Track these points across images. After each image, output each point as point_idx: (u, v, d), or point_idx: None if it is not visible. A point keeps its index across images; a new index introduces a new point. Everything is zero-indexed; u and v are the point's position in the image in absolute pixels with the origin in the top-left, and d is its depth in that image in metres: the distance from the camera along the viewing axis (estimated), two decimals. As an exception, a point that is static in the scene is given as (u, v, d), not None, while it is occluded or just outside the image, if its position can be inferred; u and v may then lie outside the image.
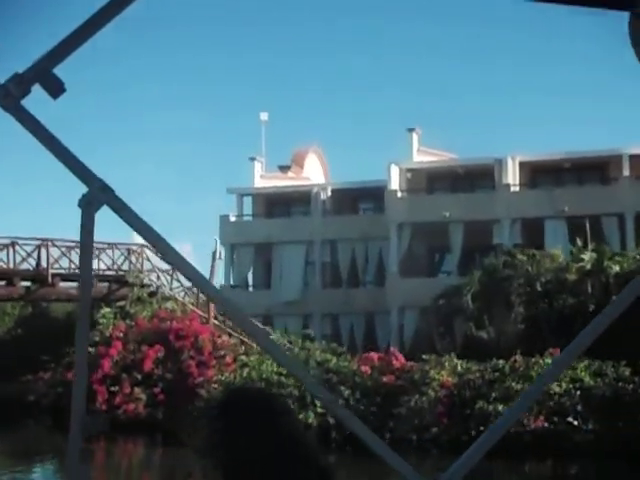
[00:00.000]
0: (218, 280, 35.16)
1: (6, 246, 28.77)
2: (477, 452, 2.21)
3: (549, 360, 21.87)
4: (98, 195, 1.90)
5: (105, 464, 26.26)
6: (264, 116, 40.39)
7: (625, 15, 2.06)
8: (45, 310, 38.40)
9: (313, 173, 42.91)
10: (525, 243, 33.60)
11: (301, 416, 23.85)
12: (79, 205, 1.90)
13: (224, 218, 39.04)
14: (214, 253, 30.15)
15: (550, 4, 2.09)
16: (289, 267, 38.15)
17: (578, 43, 50.79)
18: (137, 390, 26.79)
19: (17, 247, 29.19)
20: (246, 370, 26.55)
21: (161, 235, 1.90)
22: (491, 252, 34.08)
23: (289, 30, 58.30)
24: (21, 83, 1.84)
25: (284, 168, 42.34)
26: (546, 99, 57.52)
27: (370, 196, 39.26)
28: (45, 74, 1.86)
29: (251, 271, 40.23)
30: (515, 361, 22.18)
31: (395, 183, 36.45)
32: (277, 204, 40.62)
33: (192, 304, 31.10)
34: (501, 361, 22.82)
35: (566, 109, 56.48)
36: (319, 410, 24.25)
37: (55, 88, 1.86)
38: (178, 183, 70.02)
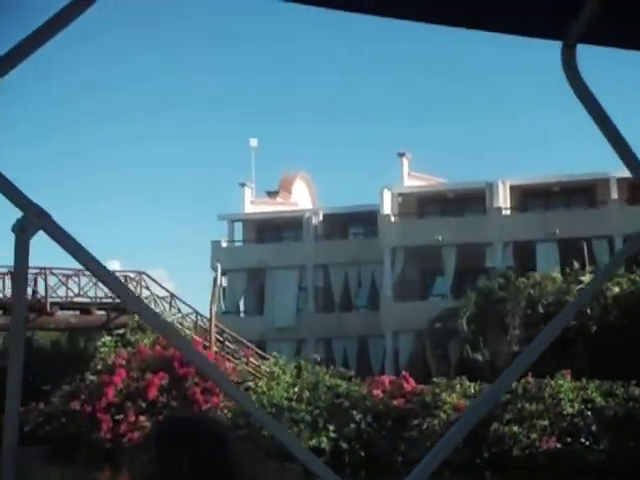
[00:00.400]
0: (220, 306, 35.04)
1: (4, 275, 28.26)
2: (429, 467, 2.13)
3: (561, 381, 22.08)
4: (34, 220, 1.81)
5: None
6: (254, 142, 40.53)
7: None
8: (28, 339, 37.88)
9: (301, 198, 43.13)
10: (517, 266, 34.04)
11: (313, 441, 23.86)
12: (12, 230, 1.80)
13: (216, 244, 39.02)
14: (215, 279, 30.04)
15: (491, 33, 2.12)
16: (282, 292, 38.18)
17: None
18: (142, 418, 26.58)
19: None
20: (253, 396, 26.38)
21: (99, 261, 1.78)
22: (484, 275, 34.42)
23: (277, 55, 58.36)
24: None
25: (272, 194, 42.53)
26: (536, 119, 58.21)
27: (361, 221, 39.57)
28: None
29: (243, 297, 40.03)
30: (527, 382, 22.28)
31: (387, 207, 36.75)
32: (268, 229, 40.73)
33: (189, 330, 30.86)
34: (514, 383, 22.80)
35: (556, 129, 57.01)
36: (331, 435, 24.29)
37: None
38: (166, 209, 69.64)
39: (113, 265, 33.22)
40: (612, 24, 2.15)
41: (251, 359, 31.13)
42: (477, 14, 2.11)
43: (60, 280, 30.10)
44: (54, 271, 29.88)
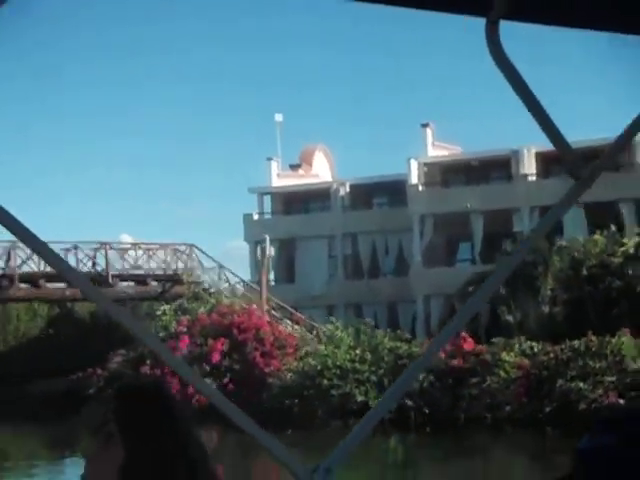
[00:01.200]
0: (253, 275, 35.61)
1: (68, 250, 28.73)
2: (354, 440, 2.06)
3: (623, 338, 22.92)
4: None
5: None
6: (278, 117, 40.88)
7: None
8: (71, 310, 38.52)
9: (321, 170, 43.46)
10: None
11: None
12: None
13: (247, 217, 39.53)
14: (263, 249, 30.60)
15: (417, 10, 1.99)
16: (312, 261, 38.92)
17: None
18: (207, 381, 26.99)
19: (78, 251, 29.26)
20: (311, 358, 27.09)
21: (39, 237, 1.78)
22: (511, 240, 35.08)
23: (301, 31, 58.56)
24: None
25: (294, 166, 42.94)
26: (555, 89, 58.77)
27: (385, 191, 40.09)
28: None
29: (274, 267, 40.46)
30: (590, 340, 23.16)
31: (414, 177, 37.35)
32: (295, 201, 41.30)
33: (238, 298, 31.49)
34: (576, 342, 23.72)
35: (575, 98, 57.16)
36: (397, 394, 24.94)
37: None
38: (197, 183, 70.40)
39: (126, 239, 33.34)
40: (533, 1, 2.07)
41: (299, 324, 31.85)
42: None
43: (118, 254, 30.53)
44: (113, 246, 30.31)
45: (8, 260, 29.74)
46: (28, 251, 28.65)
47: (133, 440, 1.83)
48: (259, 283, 32.90)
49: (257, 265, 39.60)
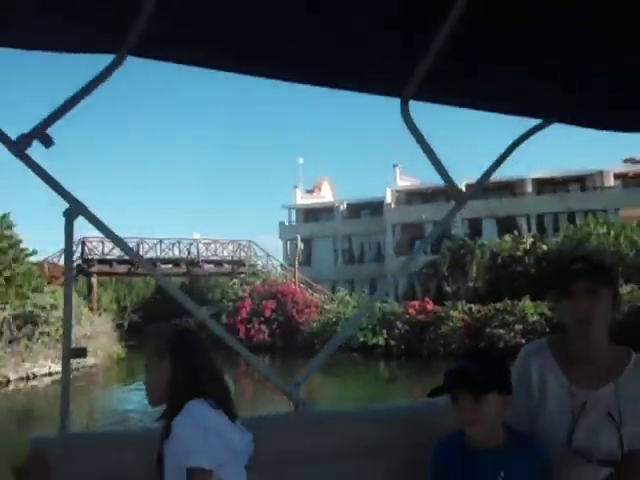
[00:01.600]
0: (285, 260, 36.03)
1: (174, 243, 29.38)
2: (318, 363, 1.98)
3: (526, 302, 23.31)
4: (76, 208, 1.75)
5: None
6: (300, 160, 41.55)
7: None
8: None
9: (327, 194, 44.02)
10: (470, 234, 35.13)
11: (374, 340, 24.96)
12: (63, 215, 1.75)
13: (281, 224, 40.11)
14: (295, 244, 31.23)
15: (338, 90, 1.63)
16: (322, 252, 39.37)
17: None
18: (263, 327, 27.82)
19: (180, 244, 29.83)
20: (329, 315, 27.47)
21: (119, 236, 1.81)
22: (449, 239, 35.60)
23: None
24: (26, 139, 1.70)
25: (310, 191, 43.40)
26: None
27: (369, 207, 40.67)
28: (41, 134, 1.71)
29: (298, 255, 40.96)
30: (506, 303, 23.75)
31: (389, 199, 37.94)
32: (310, 214, 41.65)
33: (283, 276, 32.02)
34: (497, 304, 24.24)
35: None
36: (384, 336, 25.47)
37: (48, 142, 1.72)
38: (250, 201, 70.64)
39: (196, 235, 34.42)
40: (440, 85, 1.72)
41: (317, 293, 32.36)
42: (329, 73, 1.68)
43: (206, 246, 31.10)
44: (202, 241, 30.91)
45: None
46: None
47: (177, 360, 1.75)
48: (291, 265, 33.48)
49: (287, 254, 40.47)
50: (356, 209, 41.16)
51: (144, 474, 1.68)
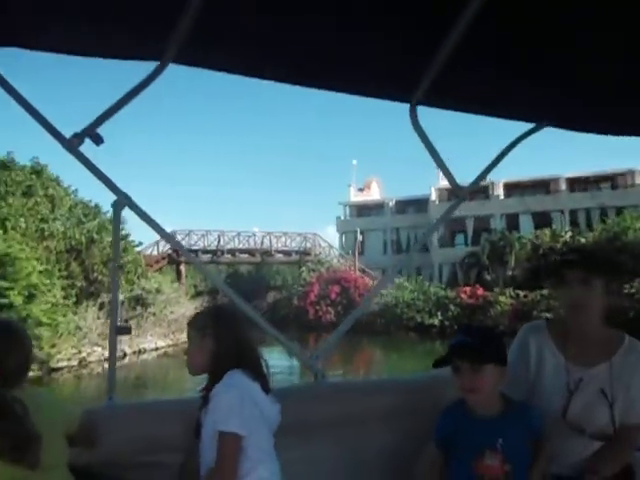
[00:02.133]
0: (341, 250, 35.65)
1: (249, 236, 29.50)
2: (338, 335, 1.93)
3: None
4: (122, 201, 1.73)
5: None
6: (355, 162, 41.06)
7: None
8: (237, 270, 38.56)
9: (374, 191, 43.36)
10: (508, 227, 34.26)
11: (431, 320, 24.60)
12: (111, 206, 1.74)
13: (338, 218, 39.73)
14: (354, 238, 30.79)
15: (349, 95, 1.50)
16: (374, 243, 38.80)
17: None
18: (329, 309, 27.59)
19: (255, 236, 29.85)
20: (387, 298, 27.08)
21: (163, 227, 1.72)
22: (488, 233, 34.75)
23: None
24: (78, 137, 1.69)
25: (361, 189, 42.80)
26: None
27: (414, 204, 39.78)
28: (92, 133, 1.70)
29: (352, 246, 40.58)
30: (549, 290, 22.95)
31: (434, 197, 37.10)
32: (363, 209, 41.18)
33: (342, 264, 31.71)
34: (544, 290, 23.47)
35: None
36: (439, 318, 25.07)
37: (98, 140, 1.70)
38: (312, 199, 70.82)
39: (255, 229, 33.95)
40: (445, 91, 1.60)
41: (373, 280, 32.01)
42: (342, 79, 1.57)
43: (276, 238, 31.07)
44: (274, 234, 30.87)
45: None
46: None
47: (220, 335, 1.71)
48: (348, 255, 33.15)
49: (343, 245, 40.16)
50: (403, 205, 40.48)
51: (184, 441, 1.65)
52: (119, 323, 1.85)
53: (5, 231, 14.76)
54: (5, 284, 12.04)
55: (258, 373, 1.68)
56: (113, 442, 1.69)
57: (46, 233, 17.66)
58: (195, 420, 1.62)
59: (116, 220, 1.78)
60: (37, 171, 18.75)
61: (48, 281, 14.10)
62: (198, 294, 31.30)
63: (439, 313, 25.28)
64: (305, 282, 28.98)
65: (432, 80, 1.64)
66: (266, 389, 1.68)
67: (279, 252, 31.30)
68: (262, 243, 31.05)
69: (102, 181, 1.69)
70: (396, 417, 1.94)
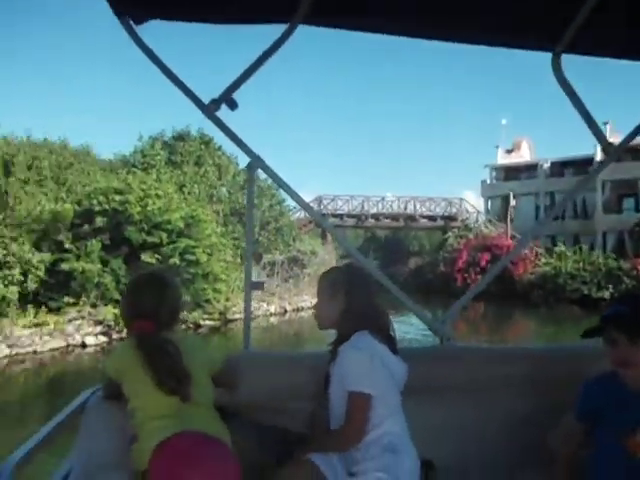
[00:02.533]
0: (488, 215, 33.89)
1: (393, 201, 29.24)
2: (467, 298, 2.02)
3: None
4: (256, 162, 1.77)
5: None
6: (504, 121, 38.35)
7: None
8: (374, 233, 38.58)
9: (525, 153, 40.18)
10: None
11: (599, 294, 22.58)
12: (246, 167, 1.78)
13: (484, 182, 37.68)
14: (507, 202, 28.96)
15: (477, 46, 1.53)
16: (524, 209, 36.17)
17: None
18: (479, 277, 26.57)
19: (399, 200, 29.44)
20: (546, 267, 25.36)
21: (293, 189, 1.73)
22: None
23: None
24: (215, 103, 1.78)
25: (509, 151, 39.96)
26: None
27: (573, 165, 36.21)
28: (228, 98, 1.77)
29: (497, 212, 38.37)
30: None
31: (599, 156, 33.15)
32: (510, 172, 38.59)
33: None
34: None
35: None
36: (611, 290, 22.84)
37: (233, 105, 1.79)
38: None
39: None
40: (592, 36, 1.60)
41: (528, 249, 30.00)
42: (473, 30, 1.57)
43: (420, 203, 30.51)
44: (419, 199, 30.34)
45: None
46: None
47: (351, 295, 1.77)
48: (499, 220, 31.42)
49: (489, 210, 38.09)
50: (560, 167, 36.98)
51: (313, 392, 1.75)
52: (254, 279, 2.07)
53: (183, 196, 16.46)
54: (192, 243, 13.46)
55: (386, 335, 1.75)
56: (250, 386, 1.84)
57: (214, 198, 19.34)
58: (325, 373, 1.72)
59: (250, 181, 1.87)
60: (206, 142, 20.47)
61: (224, 241, 15.42)
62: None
63: (610, 286, 22.96)
64: (452, 248, 28.11)
65: (579, 25, 1.61)
66: (394, 350, 1.75)
67: (424, 217, 30.68)
68: (405, 208, 30.69)
69: (237, 144, 1.80)
70: (527, 385, 1.95)
